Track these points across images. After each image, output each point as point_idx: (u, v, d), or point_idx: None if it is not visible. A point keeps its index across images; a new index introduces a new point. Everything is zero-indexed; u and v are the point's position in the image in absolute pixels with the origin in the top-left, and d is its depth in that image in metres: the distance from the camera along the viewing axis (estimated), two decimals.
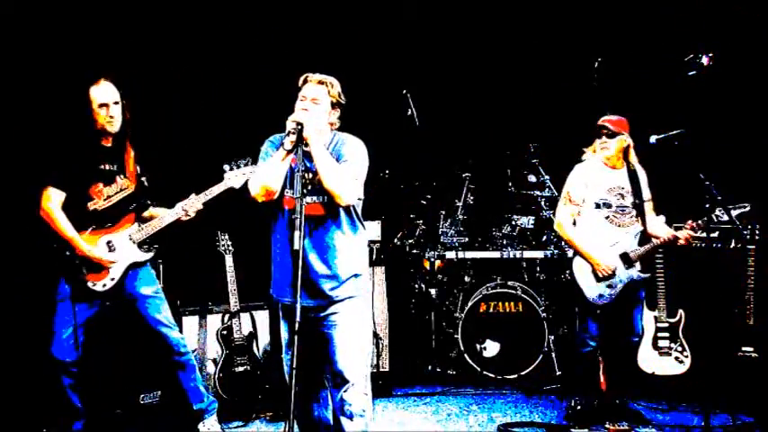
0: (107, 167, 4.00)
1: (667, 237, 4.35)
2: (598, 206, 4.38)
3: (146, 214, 4.19)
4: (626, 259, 4.36)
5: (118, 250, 4.01)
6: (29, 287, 4.61)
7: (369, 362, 3.39)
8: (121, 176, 4.04)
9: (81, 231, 3.94)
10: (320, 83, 3.27)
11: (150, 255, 4.10)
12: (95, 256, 3.93)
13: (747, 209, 4.23)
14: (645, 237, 4.41)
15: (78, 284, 3.92)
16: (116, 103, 3.94)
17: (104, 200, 3.99)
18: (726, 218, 4.19)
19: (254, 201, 3.24)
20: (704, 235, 4.88)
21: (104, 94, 3.91)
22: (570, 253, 4.62)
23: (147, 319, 4.09)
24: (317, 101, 3.24)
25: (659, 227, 4.44)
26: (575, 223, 4.43)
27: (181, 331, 4.59)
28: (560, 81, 6.23)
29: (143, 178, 4.09)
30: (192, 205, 4.08)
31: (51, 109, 4.85)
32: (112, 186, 4.01)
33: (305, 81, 3.29)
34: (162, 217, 4.07)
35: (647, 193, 4.47)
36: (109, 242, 4.00)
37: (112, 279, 3.99)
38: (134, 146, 4.09)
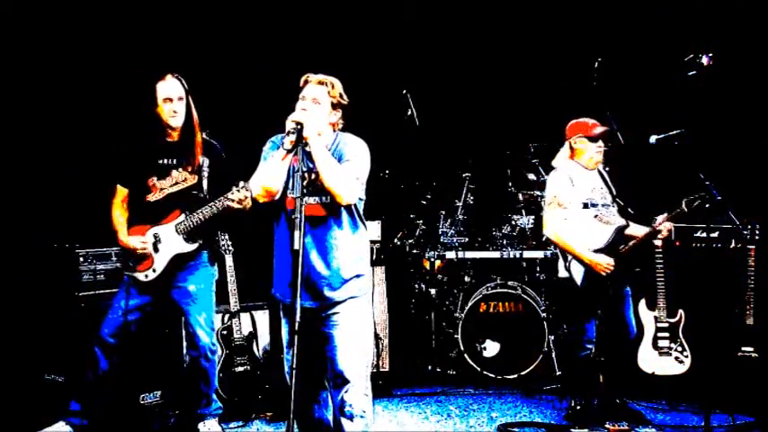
0: (165, 162, 4.10)
1: (648, 231, 4.38)
2: (586, 206, 4.41)
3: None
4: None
5: (163, 242, 4.07)
6: (29, 287, 4.61)
7: (370, 362, 3.39)
8: (179, 170, 4.09)
9: (139, 224, 4.11)
10: (320, 83, 3.27)
11: (193, 246, 4.08)
12: (125, 242, 4.09)
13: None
14: (625, 235, 4.43)
15: (127, 271, 4.11)
16: (180, 98, 4.05)
17: (158, 192, 4.09)
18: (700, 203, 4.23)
19: (256, 201, 3.25)
20: (705, 235, 4.89)
21: (169, 89, 4.04)
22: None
23: (186, 315, 4.13)
24: (317, 101, 3.24)
25: (635, 227, 4.48)
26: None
27: (181, 332, 4.61)
28: (560, 81, 6.22)
29: (204, 171, 4.09)
30: (236, 195, 3.93)
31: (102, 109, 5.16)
32: (166, 180, 4.09)
33: (305, 82, 3.30)
34: (205, 208, 4.03)
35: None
36: (155, 234, 4.08)
37: (154, 270, 4.07)
38: (207, 139, 4.16)
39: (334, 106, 3.29)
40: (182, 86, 4.08)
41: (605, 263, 4.31)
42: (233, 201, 3.91)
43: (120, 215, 4.15)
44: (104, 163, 4.44)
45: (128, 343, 4.10)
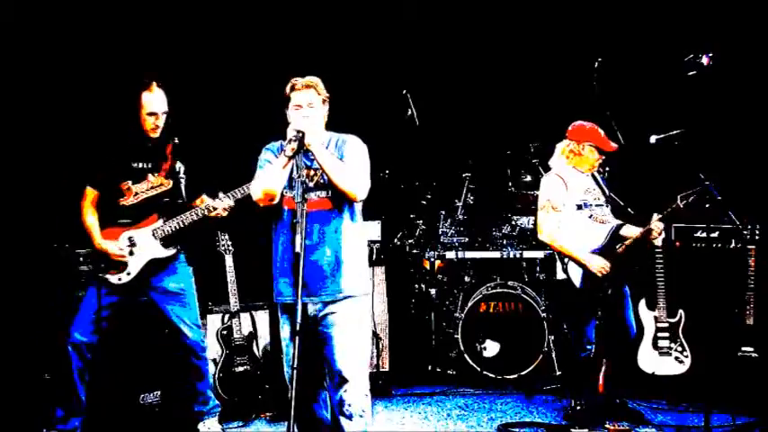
0: (140, 165, 4.09)
1: (640, 232, 4.37)
2: (580, 207, 4.41)
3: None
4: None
5: (138, 246, 4.06)
6: (28, 287, 4.61)
7: (368, 362, 3.39)
8: (154, 174, 4.10)
9: (109, 226, 4.08)
10: (308, 86, 3.30)
11: (171, 252, 4.10)
12: (103, 247, 4.03)
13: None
14: (620, 237, 4.44)
15: (98, 274, 4.05)
16: (164, 112, 4.03)
17: (133, 197, 4.08)
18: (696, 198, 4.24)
19: (256, 204, 3.27)
20: (705, 235, 4.90)
21: (155, 103, 4.01)
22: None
23: (169, 316, 4.12)
24: (312, 105, 3.28)
25: (630, 228, 4.48)
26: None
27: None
28: (560, 81, 6.22)
29: (181, 177, 4.08)
30: (217, 205, 4.03)
31: (87, 110, 5.08)
32: (142, 184, 4.09)
33: (293, 88, 3.30)
34: (186, 214, 4.05)
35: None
36: (130, 238, 4.06)
37: (128, 274, 4.05)
38: (180, 144, 4.14)
39: (323, 103, 3.33)
40: (165, 96, 4.04)
41: (601, 265, 4.31)
42: (215, 209, 3.96)
43: (92, 218, 4.09)
44: (76, 164, 4.38)
45: (100, 341, 4.05)
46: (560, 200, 4.40)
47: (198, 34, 5.69)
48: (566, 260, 4.38)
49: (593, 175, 4.55)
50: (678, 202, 4.29)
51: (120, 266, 4.04)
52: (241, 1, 5.88)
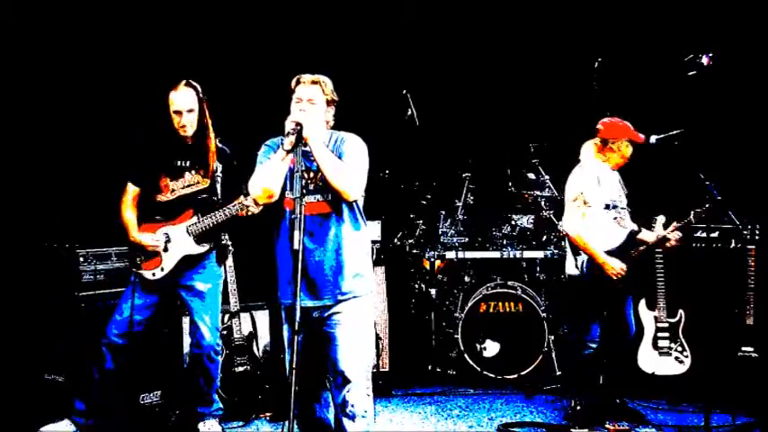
0: (178, 163, 4.12)
1: (656, 238, 4.38)
2: (608, 207, 4.36)
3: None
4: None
5: (173, 242, 4.10)
6: (29, 287, 4.61)
7: (371, 362, 3.39)
8: (192, 172, 4.12)
9: (145, 222, 4.15)
10: (314, 83, 3.29)
11: (204, 248, 4.12)
12: (138, 239, 4.10)
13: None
14: (635, 239, 4.43)
15: (134, 268, 4.13)
16: (190, 110, 4.04)
17: (170, 193, 4.12)
18: (706, 214, 4.27)
19: (255, 203, 3.27)
20: (705, 235, 4.90)
21: (180, 102, 4.02)
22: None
23: (192, 314, 4.15)
24: (313, 101, 3.26)
25: (644, 233, 4.48)
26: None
27: (181, 331, 4.62)
28: (560, 81, 6.23)
29: (218, 176, 4.10)
30: (248, 202, 4.00)
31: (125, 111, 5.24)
32: (179, 181, 4.13)
33: (298, 82, 3.30)
34: (219, 212, 4.06)
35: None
36: (166, 233, 4.11)
37: (162, 269, 4.10)
38: (219, 145, 4.15)
39: (327, 104, 3.32)
40: (195, 95, 4.05)
41: (618, 267, 4.27)
42: (249, 205, 3.96)
43: (130, 214, 4.17)
44: (115, 162, 4.49)
45: (134, 343, 4.10)
46: (593, 196, 4.35)
47: (224, 37, 5.81)
48: (581, 255, 4.35)
49: (618, 173, 4.53)
50: (691, 217, 4.30)
51: (155, 262, 4.08)
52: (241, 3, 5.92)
